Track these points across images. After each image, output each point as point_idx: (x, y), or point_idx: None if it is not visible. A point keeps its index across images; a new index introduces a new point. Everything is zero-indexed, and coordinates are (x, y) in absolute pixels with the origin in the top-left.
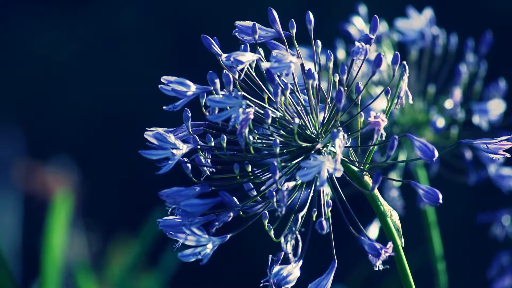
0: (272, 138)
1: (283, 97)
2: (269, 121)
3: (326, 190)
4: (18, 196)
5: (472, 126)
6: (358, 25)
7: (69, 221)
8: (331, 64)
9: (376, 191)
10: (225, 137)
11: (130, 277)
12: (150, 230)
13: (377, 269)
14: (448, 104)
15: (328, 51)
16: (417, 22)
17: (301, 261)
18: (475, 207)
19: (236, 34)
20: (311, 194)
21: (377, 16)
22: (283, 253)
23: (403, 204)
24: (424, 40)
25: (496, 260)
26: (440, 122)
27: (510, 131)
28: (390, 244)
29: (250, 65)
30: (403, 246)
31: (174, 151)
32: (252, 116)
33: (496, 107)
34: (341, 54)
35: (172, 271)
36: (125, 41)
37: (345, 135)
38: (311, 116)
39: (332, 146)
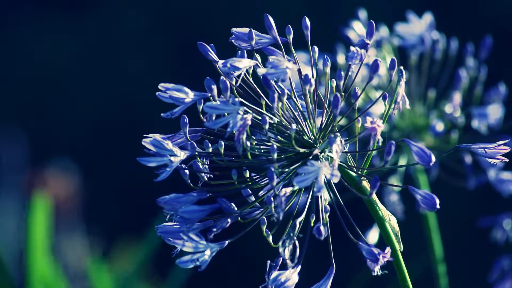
0: (270, 144)
1: (280, 103)
2: (267, 127)
3: (324, 196)
4: (21, 200)
5: (472, 130)
6: (357, 29)
7: (50, 222)
8: (328, 70)
9: (374, 196)
10: (223, 143)
11: (133, 280)
12: (154, 236)
13: (375, 274)
14: (448, 108)
15: (325, 56)
16: (417, 26)
17: (299, 267)
18: (476, 211)
19: (233, 41)
20: (309, 199)
21: (373, 22)
22: (281, 258)
23: (404, 209)
24: (424, 44)
25: (497, 264)
26: (440, 127)
27: (510, 135)
28: (388, 249)
29: (247, 71)
30: (401, 251)
31: (172, 157)
32: (249, 122)
33: (495, 111)
34: (341, 59)
35: (183, 281)
36: (126, 46)
37: (343, 140)
38: (308, 121)
39: (330, 152)
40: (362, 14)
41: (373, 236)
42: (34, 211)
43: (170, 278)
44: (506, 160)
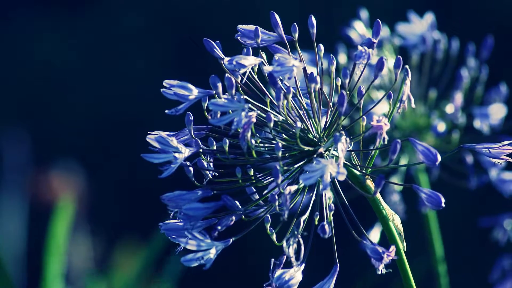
0: (275, 142)
1: (285, 101)
2: (271, 124)
3: (328, 194)
4: (24, 201)
5: (473, 130)
6: (359, 29)
7: (71, 226)
8: (333, 68)
9: (378, 195)
10: (227, 141)
11: (138, 283)
12: (160, 237)
13: (379, 273)
14: (450, 108)
15: (331, 55)
16: (418, 26)
17: (303, 265)
18: (477, 211)
19: (239, 38)
20: (313, 198)
21: (379, 20)
22: (285, 257)
23: (405, 209)
24: (425, 44)
25: (498, 264)
26: (441, 127)
27: (510, 136)
28: (392, 248)
29: (252, 69)
30: (405, 250)
31: (176, 154)
32: (254, 120)
33: (497, 112)
34: (342, 58)
35: (178, 277)
36: (126, 45)
37: (348, 139)
38: (313, 120)
39: (334, 150)
40: (364, 14)
41: (374, 235)
42: (57, 215)
43: (165, 273)
44: (511, 160)
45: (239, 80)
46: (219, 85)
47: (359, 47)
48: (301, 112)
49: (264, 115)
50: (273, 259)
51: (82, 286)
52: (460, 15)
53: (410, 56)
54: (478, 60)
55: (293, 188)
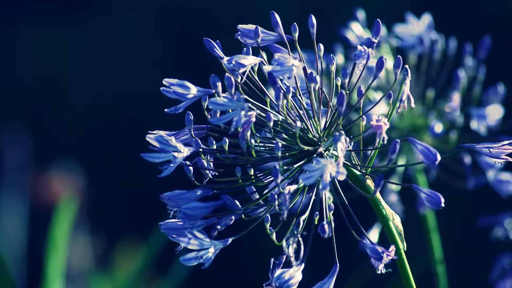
0: (274, 142)
1: (285, 101)
2: (271, 124)
3: (328, 194)
4: (24, 201)
5: (470, 130)
6: (356, 30)
7: (72, 225)
8: (333, 68)
9: (378, 195)
10: (227, 140)
11: (137, 282)
12: (159, 236)
13: (379, 272)
14: (447, 108)
15: (331, 55)
16: (416, 27)
17: (303, 265)
18: (475, 211)
19: (239, 37)
20: (313, 197)
21: (379, 20)
22: (285, 256)
23: (403, 209)
24: (423, 45)
25: (498, 263)
26: (438, 127)
27: (508, 136)
28: (392, 248)
29: (252, 68)
30: (405, 249)
31: (176, 154)
32: (254, 119)
33: (494, 112)
34: (339, 59)
35: (182, 279)
36: (126, 45)
37: (347, 138)
38: (313, 119)
39: (334, 150)
40: (361, 14)
41: (373, 236)
42: (59, 215)
43: (170, 275)
44: (511, 159)
45: (239, 79)
46: (219, 84)
47: (359, 47)
48: (301, 111)
49: (264, 115)
50: (272, 259)
51: (86, 285)
52: (457, 15)
53: (408, 56)
54: (476, 60)
55: (293, 187)
